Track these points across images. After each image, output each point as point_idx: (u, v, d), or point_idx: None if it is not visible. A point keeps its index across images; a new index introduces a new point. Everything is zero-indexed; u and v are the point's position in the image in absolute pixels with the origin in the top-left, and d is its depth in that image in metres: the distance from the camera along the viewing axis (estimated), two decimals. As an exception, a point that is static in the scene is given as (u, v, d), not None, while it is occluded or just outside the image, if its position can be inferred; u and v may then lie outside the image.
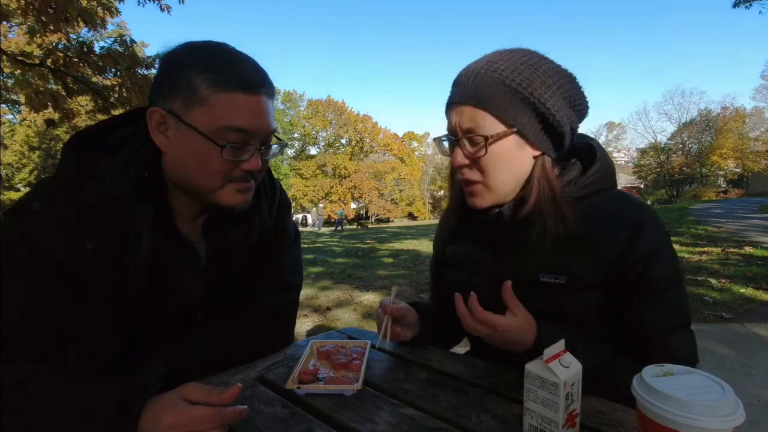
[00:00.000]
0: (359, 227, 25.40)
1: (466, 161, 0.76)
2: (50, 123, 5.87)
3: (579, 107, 0.76)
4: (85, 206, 0.67)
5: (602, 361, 0.71)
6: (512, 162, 0.75)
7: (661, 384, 0.46)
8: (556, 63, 0.76)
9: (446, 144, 0.80)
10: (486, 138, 0.72)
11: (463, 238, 0.92)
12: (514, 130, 0.73)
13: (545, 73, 0.72)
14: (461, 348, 1.05)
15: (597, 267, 0.74)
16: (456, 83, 0.76)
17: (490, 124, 0.72)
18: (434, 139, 0.82)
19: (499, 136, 0.72)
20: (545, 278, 0.76)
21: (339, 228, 24.35)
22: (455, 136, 0.76)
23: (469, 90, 0.73)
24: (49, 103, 4.98)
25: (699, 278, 4.37)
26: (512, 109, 0.72)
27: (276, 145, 0.78)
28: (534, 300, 0.77)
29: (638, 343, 0.74)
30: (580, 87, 0.77)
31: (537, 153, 0.76)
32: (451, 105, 0.76)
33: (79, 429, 0.57)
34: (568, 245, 0.74)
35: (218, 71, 0.68)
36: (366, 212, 40.42)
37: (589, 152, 0.81)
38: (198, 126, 0.68)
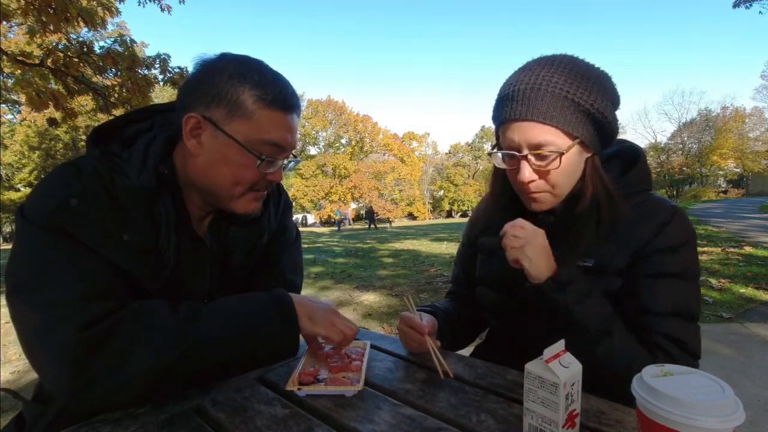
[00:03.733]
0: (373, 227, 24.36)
1: (534, 176, 0.77)
2: (52, 122, 5.86)
3: (617, 104, 0.80)
4: (117, 199, 0.70)
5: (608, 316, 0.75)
6: (575, 168, 0.79)
7: (661, 384, 0.46)
8: (594, 65, 0.79)
9: (501, 156, 0.82)
10: (561, 154, 0.74)
11: (498, 229, 0.95)
12: (578, 141, 0.76)
13: (595, 81, 0.75)
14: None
15: (624, 255, 0.79)
16: (512, 98, 0.75)
17: (557, 139, 0.74)
18: (489, 154, 0.85)
19: (568, 149, 0.75)
20: (569, 258, 0.80)
21: (338, 228, 24.37)
22: (519, 151, 0.77)
23: (534, 106, 0.73)
24: (50, 103, 4.97)
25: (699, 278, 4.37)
26: (575, 121, 0.74)
27: (293, 162, 0.84)
28: None
29: (645, 322, 0.76)
30: (614, 84, 0.80)
31: (589, 155, 0.80)
32: (511, 121, 0.76)
33: (255, 318, 0.72)
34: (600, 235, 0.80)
35: (266, 89, 0.73)
36: (349, 214, 40.38)
37: (630, 155, 0.87)
38: (237, 137, 0.73)
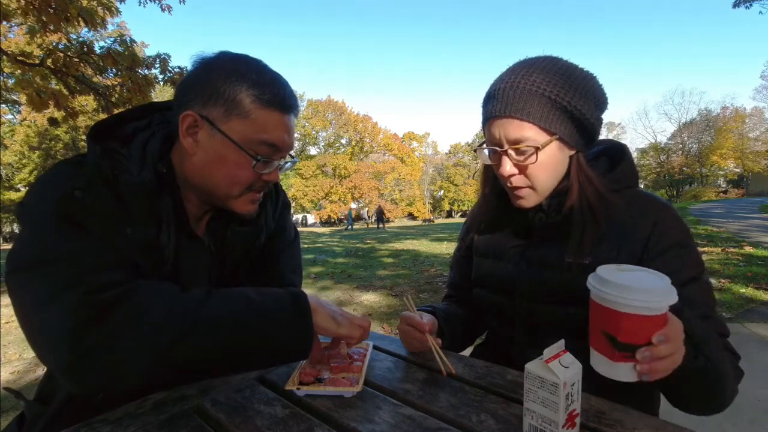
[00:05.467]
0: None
1: (515, 170, 0.81)
2: (53, 122, 5.86)
3: (602, 104, 0.82)
4: (120, 195, 0.69)
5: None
6: (555, 165, 0.81)
7: (611, 275, 0.56)
8: (579, 66, 0.81)
9: (487, 153, 0.85)
10: (537, 148, 0.77)
11: (493, 229, 0.98)
12: (556, 137, 0.78)
13: (576, 80, 0.77)
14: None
15: (621, 253, 0.79)
16: (493, 97, 0.80)
17: (535, 135, 0.77)
18: (475, 150, 0.88)
19: (545, 145, 0.77)
20: (570, 259, 0.82)
21: (349, 228, 24.46)
22: (500, 147, 0.80)
23: (512, 103, 0.77)
24: (51, 103, 4.97)
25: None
26: (553, 118, 0.77)
27: (289, 162, 0.83)
28: (559, 280, 0.83)
29: None
30: (601, 85, 0.81)
31: (573, 152, 0.82)
32: (493, 118, 0.80)
33: (271, 310, 0.69)
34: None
35: (263, 89, 0.73)
36: (366, 212, 40.41)
37: (615, 153, 0.89)
38: (233, 136, 0.72)
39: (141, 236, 0.70)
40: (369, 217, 27.92)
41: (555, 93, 0.76)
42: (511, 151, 0.79)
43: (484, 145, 0.85)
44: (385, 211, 29.77)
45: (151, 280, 0.67)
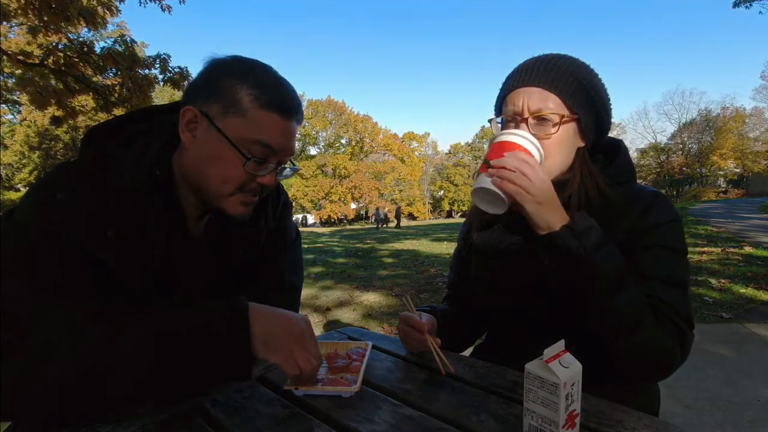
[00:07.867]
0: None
1: None
2: (55, 120, 5.86)
3: (611, 109, 0.87)
4: (105, 197, 0.69)
5: (620, 268, 0.73)
6: (567, 148, 0.82)
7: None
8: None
9: (500, 124, 0.86)
10: (561, 116, 0.78)
11: (491, 227, 0.98)
12: (576, 117, 0.80)
13: (597, 78, 0.83)
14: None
15: (613, 237, 0.78)
16: (522, 70, 0.82)
17: (558, 107, 0.79)
18: (489, 120, 0.89)
19: (568, 119, 0.79)
20: None
21: (379, 226, 24.73)
22: (520, 116, 0.81)
23: (542, 75, 0.79)
24: (53, 100, 4.98)
25: (699, 278, 4.36)
26: (576, 99, 0.79)
27: (289, 169, 0.83)
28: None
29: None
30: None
31: (581, 145, 0.83)
32: (518, 88, 0.81)
33: (201, 330, 0.64)
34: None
35: (264, 90, 0.73)
36: (366, 212, 40.44)
37: (610, 149, 0.90)
38: (228, 133, 0.72)
39: (123, 239, 0.69)
40: (384, 216, 28.25)
41: (582, 77, 0.79)
42: (531, 120, 0.79)
43: (501, 117, 0.85)
44: (396, 213, 30.12)
45: (69, 308, 0.62)
